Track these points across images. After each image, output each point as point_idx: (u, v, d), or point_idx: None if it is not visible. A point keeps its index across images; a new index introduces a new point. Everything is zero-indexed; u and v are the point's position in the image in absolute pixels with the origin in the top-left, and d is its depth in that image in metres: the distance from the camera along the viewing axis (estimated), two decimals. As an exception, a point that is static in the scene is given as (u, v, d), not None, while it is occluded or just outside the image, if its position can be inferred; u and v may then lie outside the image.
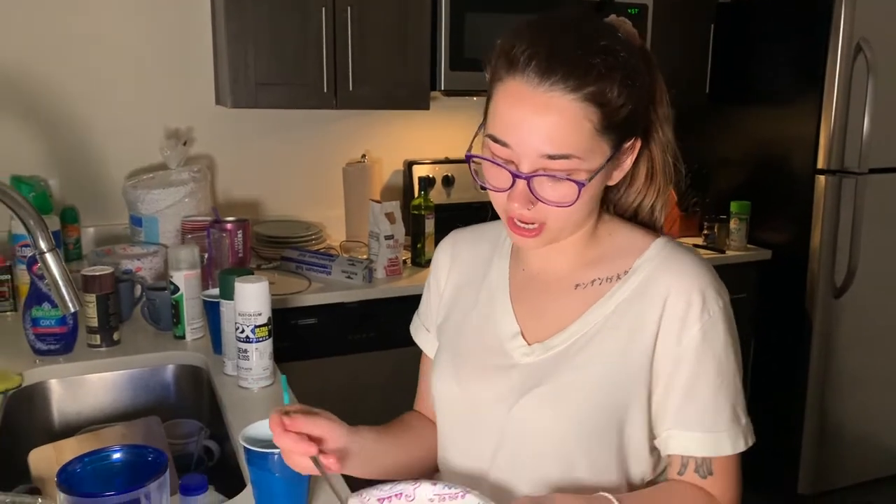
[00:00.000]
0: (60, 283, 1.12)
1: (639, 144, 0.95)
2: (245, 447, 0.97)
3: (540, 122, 0.85)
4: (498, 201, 0.94)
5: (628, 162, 0.95)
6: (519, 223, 0.93)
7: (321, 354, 2.24)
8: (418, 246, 2.50)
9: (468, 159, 0.92)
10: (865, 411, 2.88)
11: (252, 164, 2.68)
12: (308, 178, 2.75)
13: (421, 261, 2.49)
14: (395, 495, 0.90)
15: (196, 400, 1.66)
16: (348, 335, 2.27)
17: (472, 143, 0.96)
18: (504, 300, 1.04)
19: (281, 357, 1.59)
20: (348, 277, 2.27)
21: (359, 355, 2.29)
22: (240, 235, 2.07)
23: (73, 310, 1.15)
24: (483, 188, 0.94)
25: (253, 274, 1.49)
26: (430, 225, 2.48)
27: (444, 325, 1.11)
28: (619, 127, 0.89)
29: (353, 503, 0.89)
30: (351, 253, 2.53)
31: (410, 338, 2.34)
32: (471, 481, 1.00)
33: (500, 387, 0.99)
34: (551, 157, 0.86)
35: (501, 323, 1.02)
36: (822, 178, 2.66)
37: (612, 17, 0.96)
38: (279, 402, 1.40)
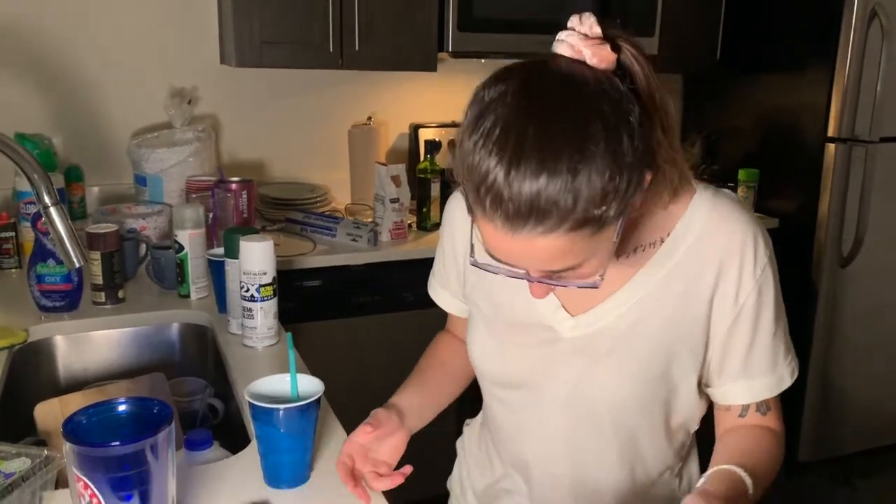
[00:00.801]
0: (65, 237, 1.12)
1: (648, 179, 0.80)
2: (251, 402, 0.97)
3: (529, 258, 0.77)
4: None
5: (640, 196, 0.81)
6: None
7: (326, 317, 2.24)
8: (424, 210, 2.48)
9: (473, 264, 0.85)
10: (868, 380, 2.88)
11: (257, 125, 2.65)
12: (313, 140, 2.73)
13: (426, 225, 2.48)
14: None
15: (201, 359, 1.66)
16: (353, 298, 2.27)
17: (471, 245, 0.85)
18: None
19: (286, 318, 1.59)
20: (353, 240, 2.26)
21: (363, 318, 2.29)
22: (244, 196, 2.06)
23: (77, 265, 1.14)
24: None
25: (258, 233, 1.48)
26: (435, 189, 2.47)
27: (471, 293, 1.06)
28: (619, 211, 0.76)
29: None
30: (356, 216, 2.52)
31: (415, 301, 2.36)
32: (520, 459, 1.04)
33: (548, 363, 0.97)
34: (556, 272, 0.80)
35: (546, 299, 0.93)
36: (831, 147, 2.63)
37: (605, 51, 0.78)
38: (284, 361, 1.40)
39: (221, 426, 1.46)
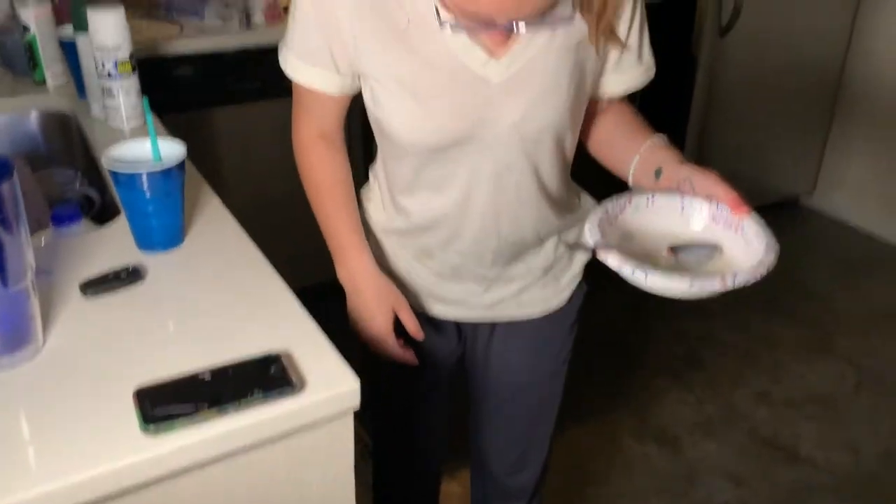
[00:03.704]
0: None
1: None
2: (110, 170, 0.94)
3: (521, 6, 0.80)
4: None
5: None
6: None
7: (201, 106, 2.14)
8: (299, -12, 2.33)
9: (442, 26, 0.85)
10: (740, 148, 3.05)
11: None
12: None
13: (303, 5, 2.34)
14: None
15: (67, 148, 1.58)
16: (229, 85, 2.16)
17: (437, 11, 0.86)
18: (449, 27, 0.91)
19: (157, 109, 1.50)
20: (223, 21, 2.12)
21: (242, 106, 2.20)
22: (94, -28, 1.87)
23: None
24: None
25: (108, 2, 1.36)
26: (309, -36, 2.31)
27: (376, 65, 0.97)
28: None
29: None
30: (226, -4, 2.35)
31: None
32: (459, 211, 1.04)
33: (483, 112, 0.96)
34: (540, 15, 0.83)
35: (459, 48, 0.93)
36: (715, -89, 2.59)
37: None
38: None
39: (100, 217, 1.43)
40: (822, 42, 3.05)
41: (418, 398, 1.28)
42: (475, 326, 1.23)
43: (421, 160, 1.01)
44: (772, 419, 2.21)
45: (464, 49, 0.93)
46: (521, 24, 0.83)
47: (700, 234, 0.95)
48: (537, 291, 1.18)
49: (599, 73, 1.03)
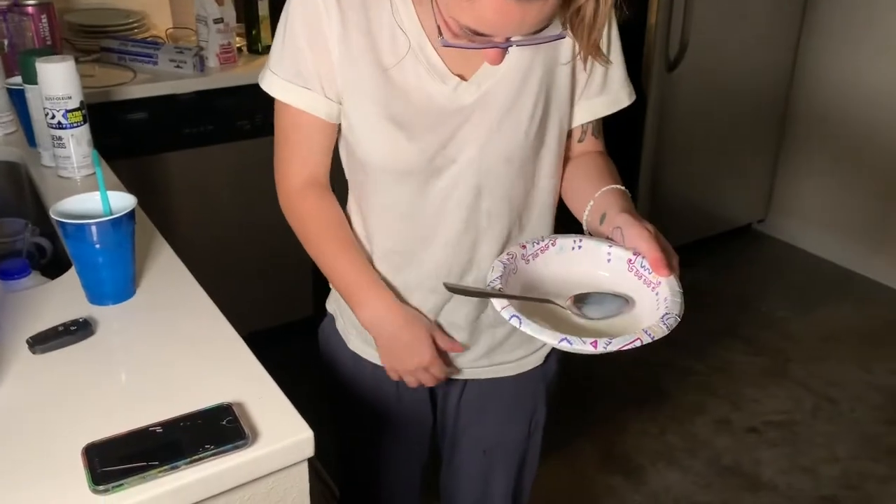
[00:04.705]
0: None
1: None
2: (58, 221, 0.93)
3: (521, 25, 0.81)
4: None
5: None
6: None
7: (155, 150, 2.13)
8: (253, 32, 2.35)
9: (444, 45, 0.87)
10: (692, 179, 3.12)
11: (53, -57, 2.36)
12: (122, -42, 2.47)
13: (258, 47, 2.36)
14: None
15: (17, 197, 1.56)
16: (184, 129, 2.16)
17: (438, 28, 0.86)
18: (427, 48, 0.95)
19: (112, 154, 1.50)
20: (177, 67, 2.13)
21: (197, 149, 2.19)
22: (44, 20, 1.87)
23: None
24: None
25: (57, 55, 1.36)
26: (263, 7, 2.33)
27: (353, 90, 0.97)
28: None
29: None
30: (179, 41, 2.36)
31: (252, 130, 2.24)
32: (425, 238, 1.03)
33: (456, 133, 0.97)
34: (535, 34, 0.84)
35: (433, 72, 0.96)
36: (659, -48, 2.67)
37: None
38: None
39: (52, 265, 1.41)
40: (768, 73, 3.15)
41: (387, 453, 1.25)
42: (447, 383, 1.18)
43: (392, 186, 1.01)
44: (733, 446, 2.24)
45: (437, 71, 0.95)
46: (515, 40, 0.84)
47: (616, 284, 0.92)
48: (509, 351, 1.15)
49: (572, 97, 1.04)
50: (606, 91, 1.05)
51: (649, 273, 0.90)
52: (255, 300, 2.36)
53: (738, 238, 3.40)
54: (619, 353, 0.83)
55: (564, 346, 0.81)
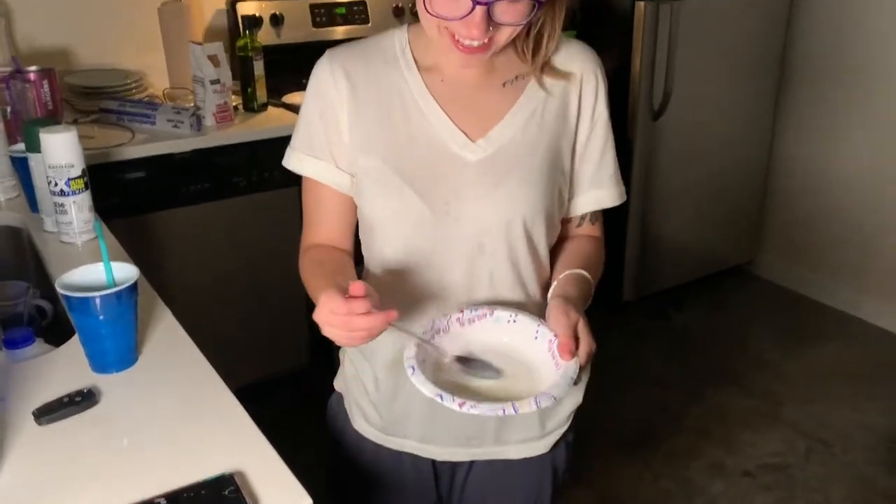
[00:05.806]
0: None
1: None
2: (63, 294, 0.97)
3: None
4: (442, 24, 0.93)
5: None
6: (465, 41, 0.93)
7: (154, 209, 2.18)
8: (248, 90, 2.41)
9: None
10: (680, 223, 3.18)
11: (55, 7, 2.43)
12: (120, 20, 2.54)
13: (254, 106, 2.42)
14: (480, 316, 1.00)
15: (19, 261, 1.60)
16: (181, 187, 2.21)
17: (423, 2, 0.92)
18: (435, 109, 1.02)
19: (111, 214, 1.54)
20: (175, 126, 2.18)
21: (195, 207, 2.24)
22: (46, 86, 1.92)
23: None
24: (429, 12, 0.92)
25: (60, 124, 1.41)
26: (259, 67, 2.39)
27: (362, 153, 1.03)
28: None
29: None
30: (177, 101, 2.42)
31: (248, 186, 2.28)
32: (438, 291, 1.05)
33: (459, 189, 1.01)
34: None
35: (441, 130, 1.01)
36: (640, 5, 2.76)
37: None
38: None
39: (53, 327, 1.44)
40: (750, 120, 3.23)
41: None
42: (452, 465, 1.19)
43: (398, 242, 1.04)
44: (728, 491, 2.25)
45: (445, 129, 1.01)
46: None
47: (531, 358, 0.97)
48: (517, 431, 1.15)
49: (571, 175, 1.09)
50: (610, 184, 1.12)
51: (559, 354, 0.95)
52: (251, 352, 2.39)
53: (728, 279, 3.45)
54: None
55: (438, 401, 0.87)
